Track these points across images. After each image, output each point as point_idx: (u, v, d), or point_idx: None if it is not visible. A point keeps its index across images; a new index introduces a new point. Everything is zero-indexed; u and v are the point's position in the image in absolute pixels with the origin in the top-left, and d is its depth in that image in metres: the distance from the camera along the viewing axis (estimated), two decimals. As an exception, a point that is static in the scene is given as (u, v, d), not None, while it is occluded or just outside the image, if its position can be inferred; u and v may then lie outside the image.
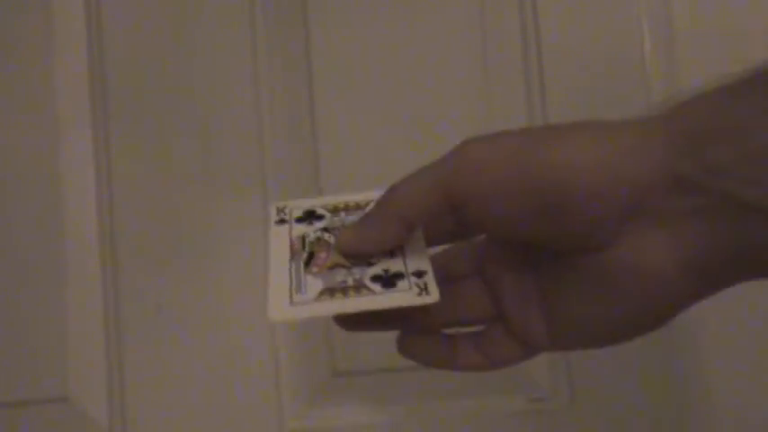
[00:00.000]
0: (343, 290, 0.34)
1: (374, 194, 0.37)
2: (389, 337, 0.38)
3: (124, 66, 0.66)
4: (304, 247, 0.37)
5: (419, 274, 0.34)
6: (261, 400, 0.63)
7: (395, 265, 0.35)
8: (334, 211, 0.39)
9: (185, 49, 0.65)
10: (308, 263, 0.36)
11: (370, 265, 0.35)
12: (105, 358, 0.63)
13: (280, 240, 0.38)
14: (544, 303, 0.35)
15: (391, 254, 0.35)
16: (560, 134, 0.31)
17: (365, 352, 0.61)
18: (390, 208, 0.34)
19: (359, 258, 0.35)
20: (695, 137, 0.29)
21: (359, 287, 0.34)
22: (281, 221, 0.39)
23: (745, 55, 0.60)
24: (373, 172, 0.63)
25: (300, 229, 0.38)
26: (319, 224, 0.38)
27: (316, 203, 0.40)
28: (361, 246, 0.35)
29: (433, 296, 0.33)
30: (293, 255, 0.36)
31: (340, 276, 0.35)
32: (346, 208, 0.39)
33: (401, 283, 0.34)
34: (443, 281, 0.35)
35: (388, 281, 0.34)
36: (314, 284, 0.34)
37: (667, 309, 0.32)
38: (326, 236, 0.37)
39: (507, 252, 0.36)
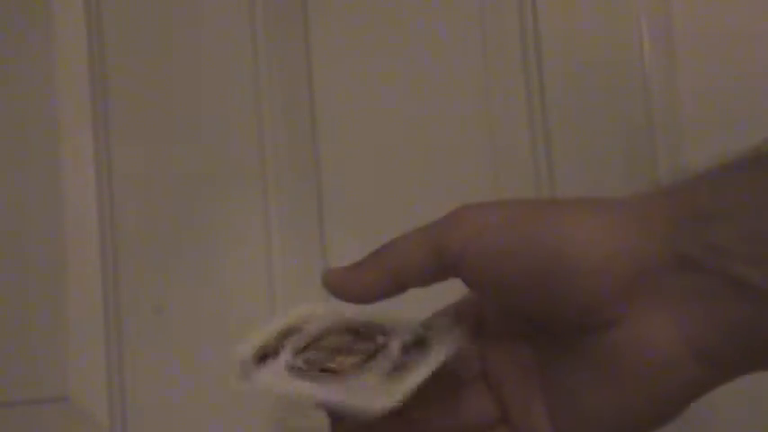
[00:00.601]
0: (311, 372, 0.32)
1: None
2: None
3: (124, 66, 0.65)
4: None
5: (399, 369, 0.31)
6: (261, 399, 0.63)
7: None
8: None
9: (185, 50, 0.65)
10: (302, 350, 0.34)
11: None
12: (105, 358, 0.63)
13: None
14: (548, 397, 0.33)
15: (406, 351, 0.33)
16: (560, 206, 0.31)
17: (365, 352, 0.61)
18: (382, 258, 0.33)
19: (343, 300, 0.34)
20: (697, 214, 0.28)
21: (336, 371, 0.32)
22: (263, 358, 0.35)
23: (745, 56, 0.60)
24: (373, 172, 0.64)
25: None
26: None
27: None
28: (347, 287, 0.33)
29: (383, 402, 0.29)
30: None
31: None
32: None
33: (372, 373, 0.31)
34: (446, 387, 0.33)
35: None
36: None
37: (678, 397, 0.30)
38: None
39: (512, 350, 0.34)
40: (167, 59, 0.65)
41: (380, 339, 0.34)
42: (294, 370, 0.32)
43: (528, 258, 0.29)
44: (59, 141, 0.65)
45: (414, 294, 0.33)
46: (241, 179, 0.64)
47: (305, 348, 0.34)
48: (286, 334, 0.35)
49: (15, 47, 0.65)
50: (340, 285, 0.34)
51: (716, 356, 0.28)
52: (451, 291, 0.34)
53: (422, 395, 0.31)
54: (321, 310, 0.36)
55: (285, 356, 0.33)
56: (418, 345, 0.33)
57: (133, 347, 0.64)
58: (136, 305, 0.64)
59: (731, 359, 0.29)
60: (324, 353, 0.34)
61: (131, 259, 0.64)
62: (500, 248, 0.30)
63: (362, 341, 0.34)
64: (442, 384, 0.33)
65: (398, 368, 0.32)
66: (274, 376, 0.32)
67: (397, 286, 0.33)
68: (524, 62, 0.63)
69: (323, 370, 0.33)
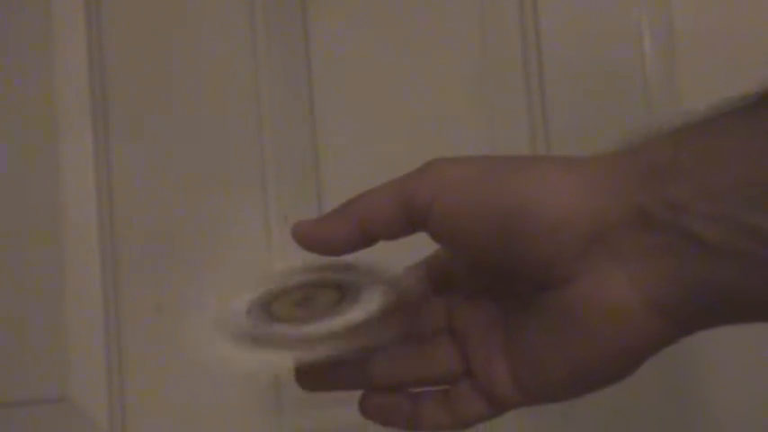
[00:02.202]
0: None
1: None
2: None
3: (124, 65, 0.65)
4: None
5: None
6: (261, 400, 0.63)
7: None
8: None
9: (185, 49, 0.65)
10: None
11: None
12: (105, 358, 0.63)
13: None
14: (509, 353, 0.33)
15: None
16: (524, 163, 0.31)
17: (365, 352, 0.61)
18: (351, 210, 0.33)
19: (313, 251, 0.34)
20: (658, 172, 0.28)
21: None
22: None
23: (745, 58, 0.60)
24: (373, 171, 0.63)
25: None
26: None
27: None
28: (314, 237, 0.34)
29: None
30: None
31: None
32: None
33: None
34: (412, 338, 0.34)
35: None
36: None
37: (636, 352, 0.31)
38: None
39: (476, 306, 0.35)
40: (167, 59, 0.65)
41: (339, 292, 0.35)
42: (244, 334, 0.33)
43: (491, 213, 0.30)
44: (59, 141, 0.65)
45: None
46: (241, 179, 0.64)
47: (270, 303, 0.35)
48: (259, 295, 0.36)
49: (15, 47, 0.65)
50: (308, 237, 0.34)
51: (672, 312, 0.29)
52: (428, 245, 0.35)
53: (387, 347, 0.33)
54: (298, 264, 0.37)
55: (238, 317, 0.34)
56: (372, 296, 0.34)
57: (133, 347, 0.63)
58: (136, 305, 0.64)
59: (687, 315, 0.29)
60: (286, 306, 0.35)
61: (131, 259, 0.64)
62: (465, 203, 0.31)
63: (324, 294, 0.35)
64: (407, 337, 0.34)
65: (343, 314, 0.33)
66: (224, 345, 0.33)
67: (366, 238, 0.33)
68: (524, 62, 0.63)
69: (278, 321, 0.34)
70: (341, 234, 0.33)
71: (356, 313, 0.33)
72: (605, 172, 0.30)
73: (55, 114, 0.65)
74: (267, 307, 0.35)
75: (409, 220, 0.32)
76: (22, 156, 0.65)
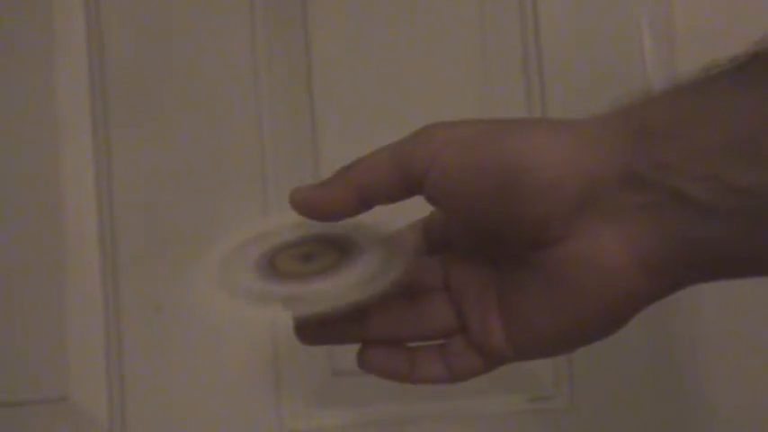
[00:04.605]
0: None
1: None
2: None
3: (124, 66, 0.66)
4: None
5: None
6: (261, 399, 0.63)
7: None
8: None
9: (185, 49, 0.65)
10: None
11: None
12: (105, 358, 0.63)
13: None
14: (503, 309, 0.34)
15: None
16: (520, 124, 0.32)
17: (365, 352, 0.61)
18: (348, 175, 0.34)
19: (311, 218, 0.35)
20: (648, 133, 0.29)
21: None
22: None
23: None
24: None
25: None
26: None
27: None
28: (312, 203, 0.35)
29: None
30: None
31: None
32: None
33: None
34: (409, 294, 0.35)
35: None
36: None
37: (625, 307, 0.32)
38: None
39: (472, 264, 0.36)
40: (167, 59, 0.65)
41: (339, 252, 0.36)
42: (261, 272, 0.34)
43: (488, 172, 0.31)
44: (59, 141, 0.65)
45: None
46: (241, 179, 0.64)
47: (274, 256, 0.36)
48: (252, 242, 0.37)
49: (15, 47, 0.66)
50: (306, 203, 0.35)
51: (661, 269, 0.30)
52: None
53: (382, 301, 0.33)
54: (295, 220, 0.37)
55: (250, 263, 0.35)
56: (373, 253, 0.35)
57: (133, 347, 0.64)
58: (136, 305, 0.64)
59: (676, 271, 0.30)
60: (288, 261, 0.36)
61: (131, 259, 0.64)
62: (462, 163, 0.31)
63: (324, 250, 0.36)
64: (404, 293, 0.35)
65: (345, 269, 0.34)
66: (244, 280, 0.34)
67: (363, 203, 0.34)
68: (524, 64, 0.63)
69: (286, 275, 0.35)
70: (338, 200, 0.34)
71: (356, 270, 0.34)
72: (597, 133, 0.30)
73: (55, 114, 0.65)
74: (271, 260, 0.36)
75: (406, 184, 0.33)
76: (22, 156, 0.65)
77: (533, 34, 0.63)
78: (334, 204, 0.34)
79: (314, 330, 0.37)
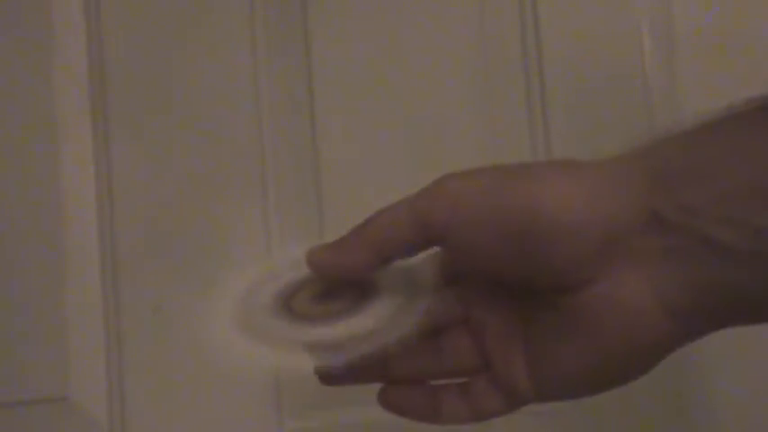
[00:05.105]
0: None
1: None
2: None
3: (124, 66, 0.66)
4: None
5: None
6: (261, 399, 0.63)
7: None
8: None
9: (185, 50, 0.65)
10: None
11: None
12: (105, 358, 0.63)
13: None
14: (528, 350, 0.34)
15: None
16: (536, 170, 0.31)
17: (365, 352, 0.61)
18: (366, 235, 0.33)
19: (330, 279, 0.34)
20: (669, 175, 0.29)
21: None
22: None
23: (745, 58, 0.60)
24: (373, 173, 0.64)
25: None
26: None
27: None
28: (331, 266, 0.34)
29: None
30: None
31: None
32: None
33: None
34: (429, 332, 0.34)
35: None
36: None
37: (651, 352, 0.31)
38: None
39: (493, 299, 0.35)
40: (167, 60, 0.65)
41: (360, 290, 0.35)
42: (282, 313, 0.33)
43: (505, 224, 0.30)
44: (59, 141, 0.65)
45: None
46: (241, 179, 0.64)
47: (290, 297, 0.35)
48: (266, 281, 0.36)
49: (15, 47, 0.66)
50: (323, 265, 0.34)
51: (688, 314, 0.29)
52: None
53: (405, 342, 0.32)
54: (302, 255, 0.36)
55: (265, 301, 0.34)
56: (397, 291, 0.34)
57: (133, 347, 0.64)
58: (135, 305, 0.64)
59: (702, 316, 0.30)
60: (305, 302, 0.35)
61: (131, 259, 0.64)
62: (482, 214, 0.31)
63: (341, 291, 0.35)
64: (425, 331, 0.34)
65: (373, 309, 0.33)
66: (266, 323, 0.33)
67: (382, 261, 0.33)
68: (524, 65, 0.63)
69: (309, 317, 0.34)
70: (358, 261, 0.33)
71: (377, 312, 0.34)
72: (618, 175, 0.30)
73: (55, 114, 0.65)
74: (287, 302, 0.35)
75: (427, 237, 0.32)
76: (22, 156, 0.65)
77: (533, 34, 0.63)
78: (354, 266, 0.33)
79: (337, 374, 0.36)
